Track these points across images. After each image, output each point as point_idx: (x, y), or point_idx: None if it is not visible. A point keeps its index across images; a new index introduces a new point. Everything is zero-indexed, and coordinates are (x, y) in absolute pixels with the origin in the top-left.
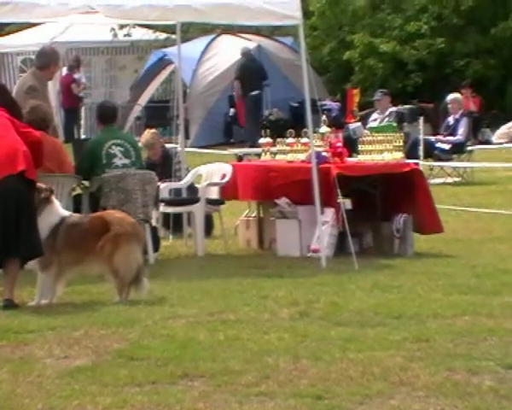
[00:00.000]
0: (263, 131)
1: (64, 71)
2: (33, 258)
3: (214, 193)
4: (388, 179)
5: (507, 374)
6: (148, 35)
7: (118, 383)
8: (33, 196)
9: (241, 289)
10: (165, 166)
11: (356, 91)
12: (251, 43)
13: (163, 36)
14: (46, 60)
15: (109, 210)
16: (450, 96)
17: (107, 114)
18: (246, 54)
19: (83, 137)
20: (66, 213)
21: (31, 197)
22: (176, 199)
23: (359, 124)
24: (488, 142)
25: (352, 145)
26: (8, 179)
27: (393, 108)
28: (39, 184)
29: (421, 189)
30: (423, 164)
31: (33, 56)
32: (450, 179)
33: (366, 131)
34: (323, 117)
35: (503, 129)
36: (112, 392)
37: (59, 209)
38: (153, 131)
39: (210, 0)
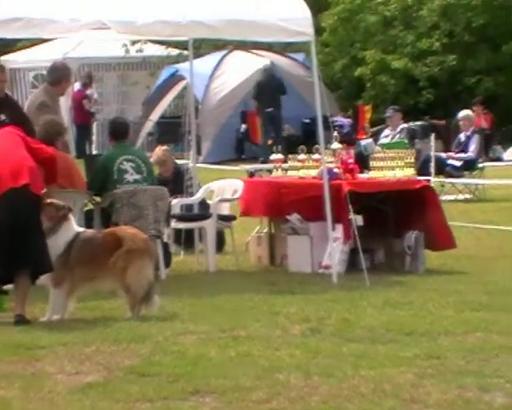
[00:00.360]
0: (274, 148)
1: (76, 86)
2: (42, 274)
3: (226, 209)
4: (400, 196)
5: None
6: (161, 51)
7: (129, 400)
8: (39, 211)
9: (252, 305)
10: (176, 182)
11: (367, 108)
12: (263, 59)
13: (175, 52)
14: (58, 75)
15: (121, 226)
16: (462, 113)
17: (119, 130)
18: (266, 70)
19: (94, 152)
20: (80, 229)
21: (36, 211)
22: (187, 215)
23: (371, 140)
24: (499, 159)
25: (363, 161)
26: (10, 192)
27: (405, 125)
28: (57, 202)
29: (432, 205)
30: (435, 181)
31: (45, 72)
32: (461, 196)
33: (378, 148)
34: (335, 133)
35: None
36: (123, 408)
37: (74, 226)
38: (164, 147)
39: (222, 16)
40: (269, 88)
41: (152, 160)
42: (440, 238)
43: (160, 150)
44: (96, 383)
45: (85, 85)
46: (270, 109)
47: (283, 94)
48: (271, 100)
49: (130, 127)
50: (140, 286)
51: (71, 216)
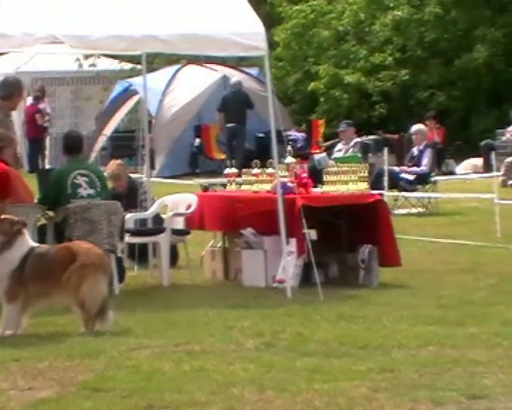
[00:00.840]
0: (228, 162)
1: (29, 101)
2: None
3: (180, 223)
4: (353, 210)
5: (471, 404)
6: (114, 65)
7: None
8: None
9: (206, 319)
10: (130, 196)
11: (321, 122)
12: (217, 73)
13: (128, 66)
14: (9, 90)
15: (76, 241)
16: (415, 128)
17: (73, 145)
18: (235, 85)
19: (47, 167)
20: (34, 243)
21: None
22: (141, 229)
23: (324, 154)
24: (452, 173)
25: (317, 176)
26: None
27: (358, 139)
28: (11, 217)
29: (383, 220)
30: (388, 195)
31: None
32: (414, 210)
33: (331, 162)
34: (289, 147)
35: (469, 162)
36: None
37: (28, 240)
38: (118, 162)
39: (176, 31)
40: (236, 102)
41: (106, 174)
42: (387, 254)
43: (114, 164)
44: (50, 399)
45: (38, 99)
46: (232, 124)
47: (250, 108)
48: (237, 114)
49: (83, 141)
50: (94, 301)
51: (25, 231)
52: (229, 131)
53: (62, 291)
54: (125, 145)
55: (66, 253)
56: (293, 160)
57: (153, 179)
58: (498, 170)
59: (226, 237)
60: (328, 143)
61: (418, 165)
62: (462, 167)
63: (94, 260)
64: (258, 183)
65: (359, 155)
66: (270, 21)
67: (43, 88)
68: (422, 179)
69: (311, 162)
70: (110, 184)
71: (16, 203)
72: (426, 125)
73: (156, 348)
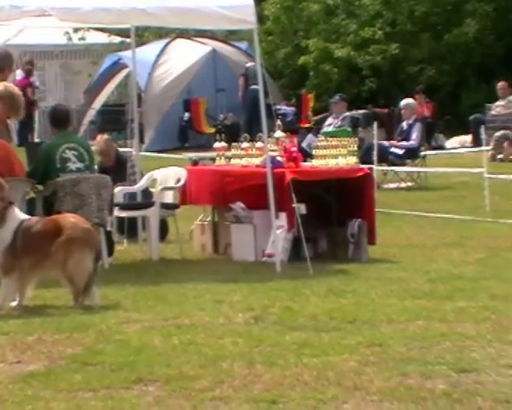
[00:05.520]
0: (217, 136)
1: (18, 74)
2: None
3: (169, 197)
4: (343, 184)
5: (460, 378)
6: (103, 39)
7: (72, 389)
8: None
9: (195, 294)
10: (118, 170)
11: (310, 96)
12: (206, 47)
13: (118, 40)
14: (0, 63)
15: (65, 214)
16: (404, 102)
17: (60, 118)
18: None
19: (36, 141)
20: (24, 216)
21: None
22: (130, 203)
23: (310, 135)
24: (441, 147)
25: (307, 154)
26: None
27: (348, 113)
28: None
29: (367, 196)
30: (377, 169)
31: None
32: (403, 184)
33: (320, 137)
34: (278, 122)
35: (458, 139)
36: (65, 397)
37: (18, 214)
38: (106, 137)
39: (164, 4)
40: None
41: (94, 149)
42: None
43: (101, 140)
44: (38, 373)
45: (28, 73)
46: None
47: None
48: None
49: (71, 115)
50: (81, 277)
51: (14, 205)
52: (252, 94)
53: (52, 264)
54: (114, 119)
55: (52, 225)
56: (282, 134)
57: (142, 153)
58: (488, 144)
59: (216, 212)
60: (318, 117)
61: (407, 139)
62: (451, 142)
63: (79, 234)
64: (248, 157)
65: (349, 129)
66: None
67: (33, 61)
68: (412, 154)
69: (300, 140)
70: (98, 159)
71: (8, 177)
72: (415, 100)
73: (145, 321)
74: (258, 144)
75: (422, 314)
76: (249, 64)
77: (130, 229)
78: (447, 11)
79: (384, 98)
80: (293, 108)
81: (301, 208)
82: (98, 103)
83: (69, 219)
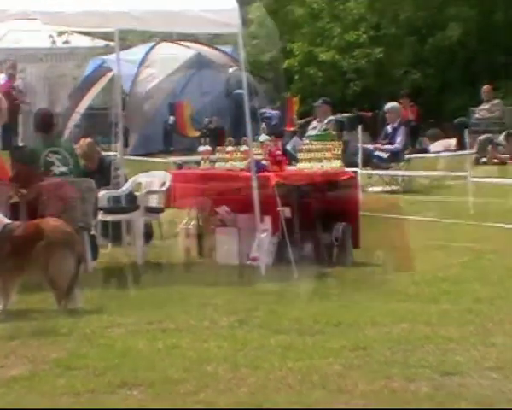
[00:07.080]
0: (202, 139)
1: (2, 78)
2: None
3: (154, 201)
4: (327, 188)
5: (443, 381)
6: (87, 42)
7: (55, 393)
8: None
9: (180, 297)
10: (102, 174)
11: (295, 100)
12: (190, 50)
13: (102, 43)
14: None
15: (47, 217)
16: (388, 105)
17: (44, 122)
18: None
19: (20, 144)
20: (7, 220)
21: None
22: (115, 207)
23: (295, 138)
24: (425, 150)
25: (292, 158)
26: None
27: (332, 117)
28: None
29: (352, 199)
30: (362, 172)
31: None
32: (388, 188)
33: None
34: (263, 125)
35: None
36: (49, 402)
37: (1, 218)
38: (88, 140)
39: (148, 7)
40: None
41: (77, 152)
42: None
43: (84, 144)
44: (22, 377)
45: (11, 77)
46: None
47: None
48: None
49: (55, 119)
50: (63, 280)
51: None
52: (237, 98)
53: (35, 268)
54: (98, 122)
55: (33, 229)
56: (267, 137)
57: (126, 157)
58: (472, 148)
59: (200, 215)
60: (303, 120)
61: (392, 142)
62: (435, 146)
63: (60, 237)
64: (233, 160)
65: (333, 132)
66: None
67: (15, 64)
68: (396, 157)
69: (285, 141)
70: (82, 162)
71: None
72: (400, 103)
73: (130, 325)
74: (243, 148)
75: (407, 317)
76: (231, 70)
77: (114, 233)
78: (431, 15)
79: (368, 102)
80: (277, 112)
81: (286, 212)
82: (83, 107)
83: (50, 222)
